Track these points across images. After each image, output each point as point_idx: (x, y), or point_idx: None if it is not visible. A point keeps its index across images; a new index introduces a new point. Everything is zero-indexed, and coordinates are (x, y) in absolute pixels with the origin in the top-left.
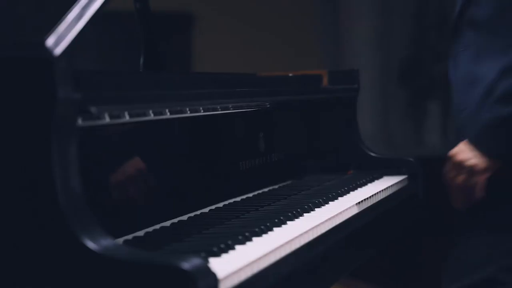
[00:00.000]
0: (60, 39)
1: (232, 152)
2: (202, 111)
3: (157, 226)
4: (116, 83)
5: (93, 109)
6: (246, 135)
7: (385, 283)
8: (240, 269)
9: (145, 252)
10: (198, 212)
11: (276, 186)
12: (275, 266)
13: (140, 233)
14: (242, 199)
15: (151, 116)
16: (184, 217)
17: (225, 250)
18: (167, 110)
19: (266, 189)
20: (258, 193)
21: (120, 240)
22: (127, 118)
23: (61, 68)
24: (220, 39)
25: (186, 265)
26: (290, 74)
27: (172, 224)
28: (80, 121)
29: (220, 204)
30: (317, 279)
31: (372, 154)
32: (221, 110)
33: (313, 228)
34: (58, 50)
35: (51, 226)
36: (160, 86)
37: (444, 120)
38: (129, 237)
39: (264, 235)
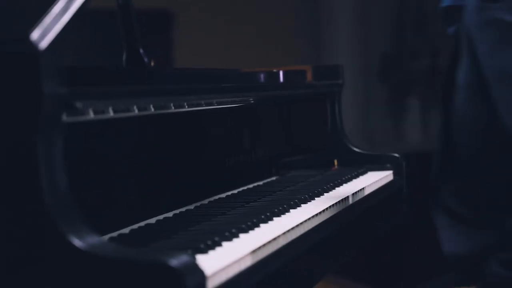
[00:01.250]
0: (45, 32)
1: (216, 148)
2: (186, 106)
3: (142, 223)
4: (101, 78)
5: (79, 105)
6: (231, 131)
7: (367, 279)
8: (228, 266)
9: (132, 250)
10: (183, 209)
11: (260, 183)
12: (263, 262)
13: (126, 230)
14: (227, 196)
15: (135, 112)
16: (169, 214)
17: (212, 247)
18: (151, 106)
19: (250, 186)
20: (243, 190)
21: (106, 238)
22: (111, 114)
23: (46, 62)
24: (200, 36)
25: (174, 262)
26: (274, 70)
27: (158, 221)
28: (64, 117)
29: (205, 201)
30: (304, 275)
31: (357, 150)
32: (206, 106)
33: (300, 224)
34: (43, 44)
35: (37, 223)
36: (144, 82)
37: (424, 116)
38: (115, 234)
39: (251, 232)
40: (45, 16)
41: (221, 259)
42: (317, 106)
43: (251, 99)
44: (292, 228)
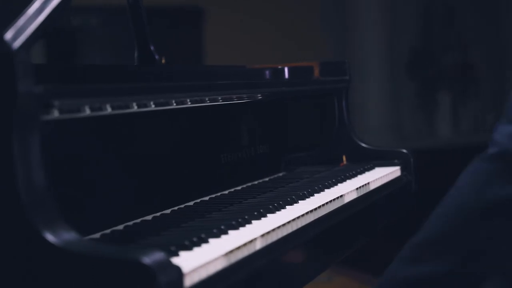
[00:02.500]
0: (19, 32)
1: (222, 144)
2: (190, 103)
3: (138, 220)
4: (81, 76)
5: (56, 103)
6: (237, 127)
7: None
8: (208, 263)
9: (106, 247)
10: (182, 206)
11: (266, 179)
12: (248, 259)
13: (120, 227)
14: (230, 192)
15: (135, 109)
16: (168, 211)
17: (198, 244)
18: (151, 103)
19: (256, 182)
20: (247, 186)
21: (98, 234)
22: (109, 110)
23: (20, 61)
24: (229, 32)
25: (147, 259)
26: (279, 66)
27: (154, 217)
28: (45, 115)
29: (206, 198)
30: (293, 273)
31: (365, 145)
32: (210, 102)
33: (292, 220)
34: (16, 44)
35: (14, 219)
36: (132, 79)
37: (454, 111)
38: (108, 231)
39: (241, 228)
40: (20, 16)
41: (204, 256)
42: (324, 101)
43: (258, 95)
44: (283, 225)
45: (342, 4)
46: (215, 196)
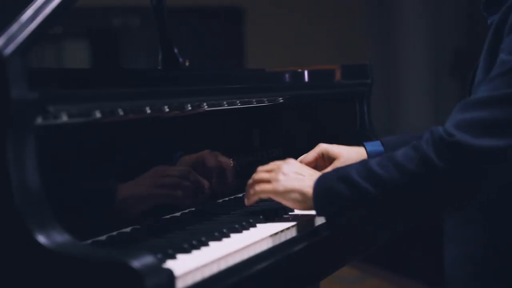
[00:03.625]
0: (11, 39)
1: (238, 148)
2: (206, 106)
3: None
4: (77, 81)
5: (51, 108)
6: (255, 131)
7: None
8: (204, 266)
9: (98, 250)
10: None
11: None
12: (247, 262)
13: (127, 229)
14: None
15: (148, 113)
16: (178, 214)
17: (197, 247)
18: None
19: None
20: None
21: (104, 237)
22: (121, 113)
23: (13, 68)
24: (269, 32)
25: (136, 263)
26: (299, 70)
27: (163, 220)
28: (40, 120)
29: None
30: (294, 277)
31: None
32: (228, 106)
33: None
34: (8, 50)
35: (8, 221)
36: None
37: None
38: (114, 233)
39: (244, 232)
40: (12, 23)
41: (200, 259)
42: (345, 105)
43: (278, 99)
44: (287, 228)
45: (386, 5)
46: (222, 200)
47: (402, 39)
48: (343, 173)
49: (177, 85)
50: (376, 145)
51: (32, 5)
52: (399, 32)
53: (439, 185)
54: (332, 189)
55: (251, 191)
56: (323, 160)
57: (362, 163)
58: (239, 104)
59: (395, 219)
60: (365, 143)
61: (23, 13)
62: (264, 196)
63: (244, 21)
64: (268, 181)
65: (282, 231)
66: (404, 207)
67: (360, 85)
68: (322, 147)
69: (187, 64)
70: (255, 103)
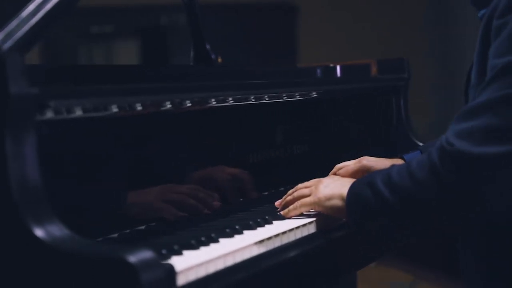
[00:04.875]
0: (9, 35)
1: (269, 144)
2: (232, 101)
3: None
4: (80, 77)
5: (52, 104)
6: (288, 127)
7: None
8: (208, 262)
9: (96, 245)
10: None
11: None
12: (251, 260)
13: (142, 227)
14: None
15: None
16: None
17: (206, 243)
18: (187, 101)
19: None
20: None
21: (116, 234)
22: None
23: (11, 63)
24: (322, 28)
25: (132, 258)
26: (331, 65)
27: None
28: (41, 115)
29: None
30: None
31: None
32: (256, 101)
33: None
34: (6, 46)
35: (7, 217)
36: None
37: None
38: (127, 230)
39: (259, 228)
40: (12, 19)
41: (205, 255)
42: (381, 100)
43: (310, 94)
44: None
45: (444, 4)
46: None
47: (459, 34)
48: (371, 179)
49: (187, 81)
50: (415, 155)
51: (33, 1)
52: (457, 26)
53: (445, 194)
54: (360, 194)
55: (292, 206)
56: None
57: (387, 169)
58: (267, 99)
59: (407, 228)
60: (404, 156)
61: (24, 9)
62: (305, 209)
63: (297, 17)
64: (308, 195)
65: (297, 227)
66: (416, 215)
67: (397, 79)
68: (364, 164)
69: (219, 61)
70: (285, 97)
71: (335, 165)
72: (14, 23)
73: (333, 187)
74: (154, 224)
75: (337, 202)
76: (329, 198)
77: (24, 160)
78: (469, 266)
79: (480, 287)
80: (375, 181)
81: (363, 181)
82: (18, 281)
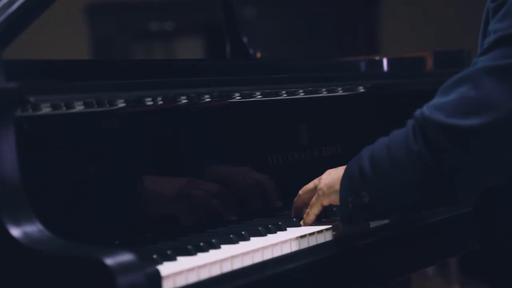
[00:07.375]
0: None
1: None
2: (260, 96)
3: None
4: (60, 72)
5: (32, 99)
6: (321, 124)
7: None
8: (200, 267)
9: (74, 246)
10: None
11: None
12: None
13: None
14: None
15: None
16: None
17: (205, 249)
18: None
19: None
20: None
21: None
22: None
23: None
24: (405, 16)
25: (109, 260)
26: (377, 58)
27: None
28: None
29: None
30: None
31: None
32: (289, 96)
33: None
34: None
35: None
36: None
37: None
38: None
39: (269, 235)
40: None
41: (198, 261)
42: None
43: (361, 88)
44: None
45: None
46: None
47: None
48: (362, 152)
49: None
50: None
51: None
52: None
53: (419, 168)
54: (349, 169)
55: (305, 215)
56: None
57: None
58: (302, 94)
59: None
60: None
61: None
62: (317, 209)
63: (379, 5)
64: (312, 189)
65: (311, 233)
66: (392, 192)
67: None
68: None
69: (258, 55)
70: (325, 92)
71: None
72: None
73: (334, 173)
74: (157, 228)
75: (338, 187)
76: (331, 186)
77: (4, 156)
78: None
79: None
80: (362, 153)
81: (357, 156)
82: None
